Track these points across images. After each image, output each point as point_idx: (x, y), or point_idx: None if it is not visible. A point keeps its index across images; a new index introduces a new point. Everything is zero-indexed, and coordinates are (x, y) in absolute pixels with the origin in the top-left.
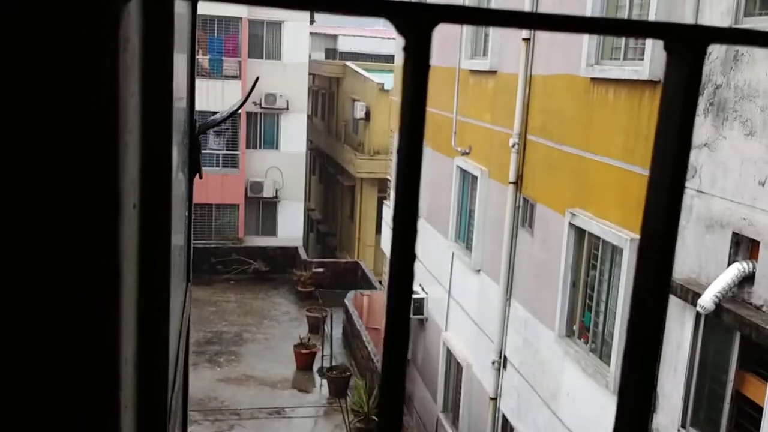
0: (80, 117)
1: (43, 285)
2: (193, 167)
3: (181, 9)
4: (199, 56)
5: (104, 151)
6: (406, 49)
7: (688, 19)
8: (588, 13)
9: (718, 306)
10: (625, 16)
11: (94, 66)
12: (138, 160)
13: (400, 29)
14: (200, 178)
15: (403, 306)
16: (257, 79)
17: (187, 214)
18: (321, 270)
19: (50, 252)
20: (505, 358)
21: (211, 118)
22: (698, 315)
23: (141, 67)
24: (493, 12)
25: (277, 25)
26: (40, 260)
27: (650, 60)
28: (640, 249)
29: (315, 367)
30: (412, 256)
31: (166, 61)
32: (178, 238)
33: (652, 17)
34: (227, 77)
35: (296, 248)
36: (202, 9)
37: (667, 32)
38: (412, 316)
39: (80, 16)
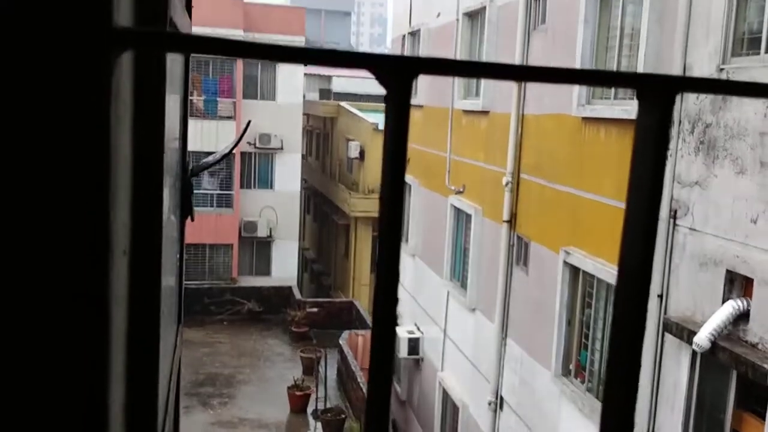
0: (69, 165)
1: (31, 330)
2: (185, 209)
3: (173, 55)
4: (194, 97)
5: (93, 199)
6: (387, 98)
7: (676, 60)
8: (578, 55)
9: (714, 344)
10: (615, 57)
11: (84, 116)
12: (129, 206)
13: (382, 80)
14: (192, 220)
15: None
16: (249, 122)
17: (178, 256)
18: (315, 310)
19: (39, 298)
20: (501, 398)
21: (204, 160)
22: (694, 353)
23: (132, 115)
24: (470, 63)
25: (271, 66)
26: (28, 306)
27: None
28: (617, 293)
29: (309, 410)
30: (395, 299)
31: (158, 109)
32: (169, 280)
33: (641, 58)
34: (222, 118)
35: (290, 288)
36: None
37: (639, 82)
38: (407, 356)
39: (73, 66)
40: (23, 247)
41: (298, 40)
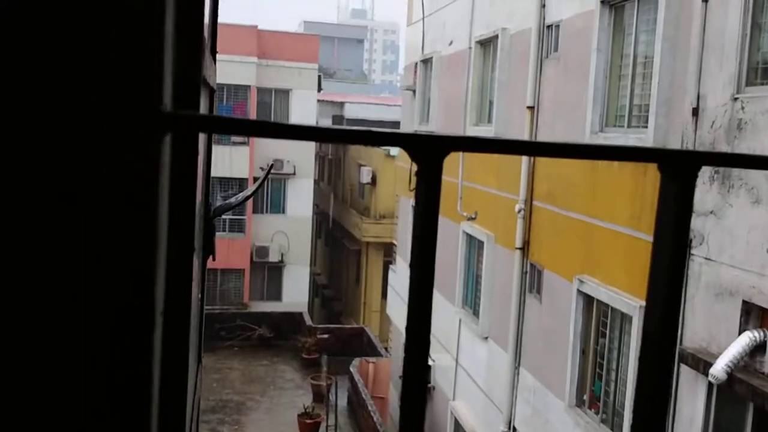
0: (124, 238)
1: (83, 396)
2: (207, 250)
3: (204, 101)
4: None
5: (143, 268)
6: (418, 174)
7: (690, 89)
8: (591, 84)
9: (730, 376)
10: (628, 86)
11: (136, 194)
12: (164, 268)
13: (414, 157)
14: (213, 260)
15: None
16: (272, 164)
17: (200, 296)
18: (326, 336)
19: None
20: (514, 428)
21: (226, 202)
22: (710, 385)
23: (169, 184)
24: (497, 141)
25: (285, 93)
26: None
27: (654, 128)
28: (640, 361)
29: None
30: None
31: (191, 178)
32: (194, 325)
33: (654, 87)
34: (236, 143)
35: (301, 314)
36: None
37: (660, 157)
38: None
39: (127, 148)
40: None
41: (311, 67)
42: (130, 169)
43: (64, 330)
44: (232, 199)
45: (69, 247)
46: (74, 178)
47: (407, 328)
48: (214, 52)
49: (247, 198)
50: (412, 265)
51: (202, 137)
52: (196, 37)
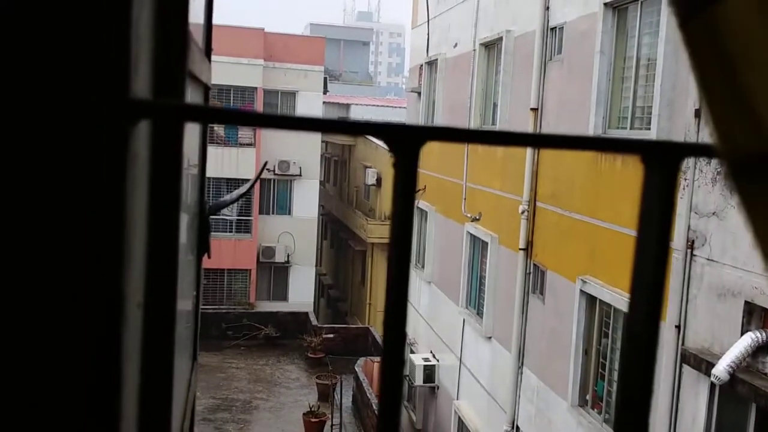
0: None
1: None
2: (203, 248)
3: (193, 98)
4: (215, 124)
5: (108, 260)
6: (395, 164)
7: (693, 90)
8: (594, 86)
9: (733, 376)
10: (631, 88)
11: (100, 183)
12: (143, 261)
13: (391, 147)
14: (209, 257)
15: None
16: (266, 163)
17: (195, 293)
18: (331, 336)
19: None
20: (517, 428)
21: (222, 199)
22: (713, 385)
23: (150, 176)
24: (477, 132)
25: (291, 95)
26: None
27: (657, 128)
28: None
29: None
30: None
31: (175, 171)
32: (186, 320)
33: (657, 89)
34: (242, 145)
35: (307, 314)
36: (219, 79)
37: (643, 148)
38: (423, 383)
39: (90, 137)
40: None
41: (317, 69)
42: (94, 157)
43: (22, 323)
44: (227, 197)
45: (29, 237)
46: (34, 167)
47: (384, 321)
48: (208, 51)
49: (242, 196)
50: (389, 258)
51: (192, 131)
52: (179, 29)
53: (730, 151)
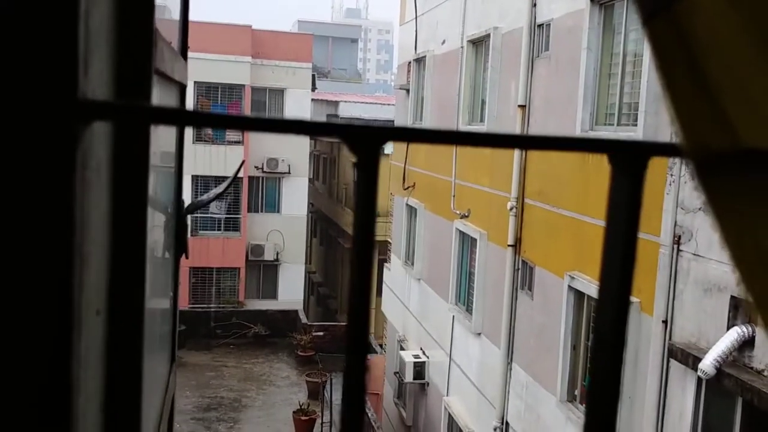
0: (30, 232)
1: None
2: (180, 248)
3: (168, 98)
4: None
5: (55, 264)
6: (356, 164)
7: None
8: (581, 82)
9: (719, 371)
10: (618, 84)
11: (48, 185)
12: (106, 266)
13: (352, 148)
14: (186, 258)
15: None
16: (243, 162)
17: (172, 294)
18: (321, 334)
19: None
20: (507, 423)
21: (199, 199)
22: (699, 380)
23: (112, 177)
24: (435, 132)
25: (279, 92)
26: None
27: (644, 125)
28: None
29: None
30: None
31: (140, 173)
32: (161, 321)
33: (644, 85)
34: (230, 143)
35: (296, 311)
36: (207, 76)
37: (610, 147)
38: (413, 380)
39: (39, 139)
40: None
41: (305, 67)
42: (39, 159)
43: None
44: (204, 197)
45: None
46: None
47: (348, 315)
48: (184, 49)
49: (219, 195)
50: (351, 257)
51: (167, 131)
52: (144, 27)
53: (696, 150)
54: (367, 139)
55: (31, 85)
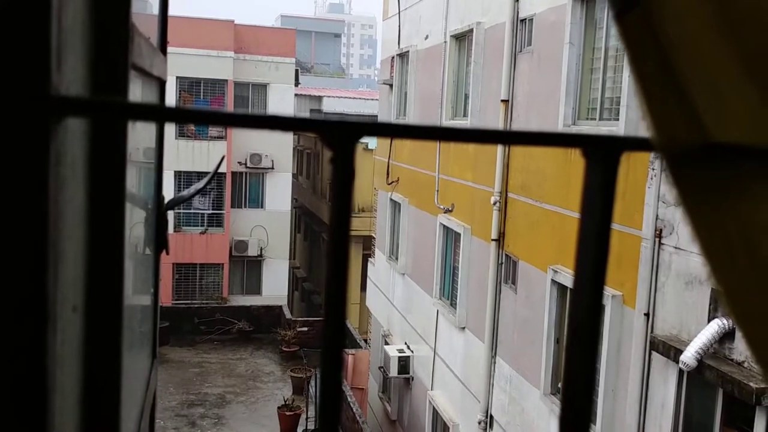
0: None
1: None
2: (160, 244)
3: (148, 94)
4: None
5: (29, 260)
6: (332, 159)
7: None
8: (563, 77)
9: (700, 362)
10: (600, 79)
11: (19, 181)
12: (82, 261)
13: (327, 143)
14: (167, 253)
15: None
16: (223, 157)
17: (153, 289)
18: (306, 329)
19: None
20: (491, 417)
21: (180, 194)
22: (681, 372)
23: (89, 173)
24: (410, 127)
25: (262, 87)
26: None
27: (625, 120)
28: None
29: (299, 430)
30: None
31: (116, 169)
32: (142, 317)
33: (626, 79)
34: (213, 138)
35: (281, 307)
36: (189, 71)
37: (584, 142)
38: (398, 374)
39: (9, 134)
40: None
41: (288, 62)
42: (13, 155)
43: None
44: (185, 192)
45: None
46: None
47: (324, 312)
48: (164, 44)
49: (199, 191)
50: (328, 250)
51: (147, 126)
52: (120, 22)
53: (668, 144)
54: (342, 134)
55: (2, 80)
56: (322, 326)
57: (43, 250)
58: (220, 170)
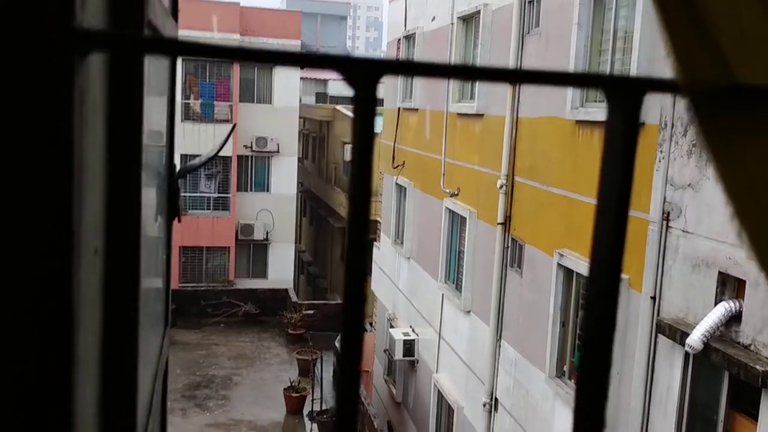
0: (29, 164)
1: None
2: (172, 211)
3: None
4: (191, 101)
5: (54, 197)
6: (353, 99)
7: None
8: (571, 59)
9: (707, 345)
10: (608, 60)
11: (46, 117)
12: (102, 205)
13: (349, 81)
14: (179, 221)
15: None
16: (234, 125)
17: (165, 257)
18: (311, 312)
19: None
20: (496, 399)
21: (191, 162)
22: (687, 355)
23: (106, 115)
24: (433, 65)
25: (268, 70)
26: None
27: None
28: (589, 286)
29: (305, 411)
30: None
31: (135, 111)
32: (154, 282)
33: (634, 61)
34: (218, 121)
35: (286, 290)
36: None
37: (607, 83)
38: (403, 357)
39: (34, 68)
40: None
41: (293, 44)
42: (39, 92)
43: None
44: (196, 161)
45: None
46: None
47: (345, 268)
48: (175, 11)
49: (211, 159)
50: (349, 195)
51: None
52: None
53: (691, 85)
54: (365, 72)
55: (28, 14)
56: (343, 270)
57: (69, 188)
58: (224, 153)
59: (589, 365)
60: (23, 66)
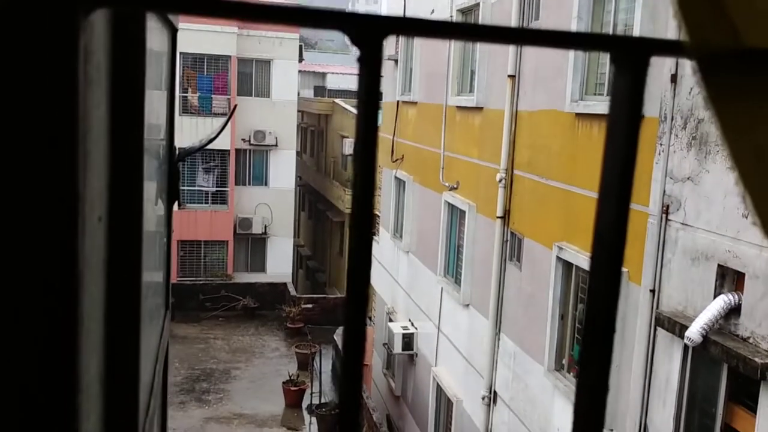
0: (34, 123)
1: None
2: (173, 194)
3: (160, 41)
4: (189, 94)
5: (60, 158)
6: (359, 58)
7: (672, 26)
8: (571, 51)
9: (706, 338)
10: (611, 22)
11: (51, 76)
12: (105, 174)
13: (354, 40)
14: (179, 207)
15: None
16: (235, 106)
17: (165, 240)
18: (310, 306)
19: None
20: (494, 393)
21: (190, 145)
22: (686, 347)
23: (110, 81)
24: (440, 23)
25: (266, 63)
26: None
27: None
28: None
29: (304, 404)
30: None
31: (137, 76)
32: (155, 262)
33: (637, 19)
34: (217, 114)
35: (285, 284)
36: (192, 47)
37: (612, 44)
38: (402, 351)
39: (37, 26)
40: None
41: (292, 37)
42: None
43: None
44: (196, 143)
45: None
46: None
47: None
48: None
49: (211, 140)
50: (353, 157)
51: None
52: None
53: (699, 47)
54: (371, 30)
55: None
56: (348, 253)
57: (74, 149)
58: (223, 147)
59: (589, 358)
60: (27, 24)
